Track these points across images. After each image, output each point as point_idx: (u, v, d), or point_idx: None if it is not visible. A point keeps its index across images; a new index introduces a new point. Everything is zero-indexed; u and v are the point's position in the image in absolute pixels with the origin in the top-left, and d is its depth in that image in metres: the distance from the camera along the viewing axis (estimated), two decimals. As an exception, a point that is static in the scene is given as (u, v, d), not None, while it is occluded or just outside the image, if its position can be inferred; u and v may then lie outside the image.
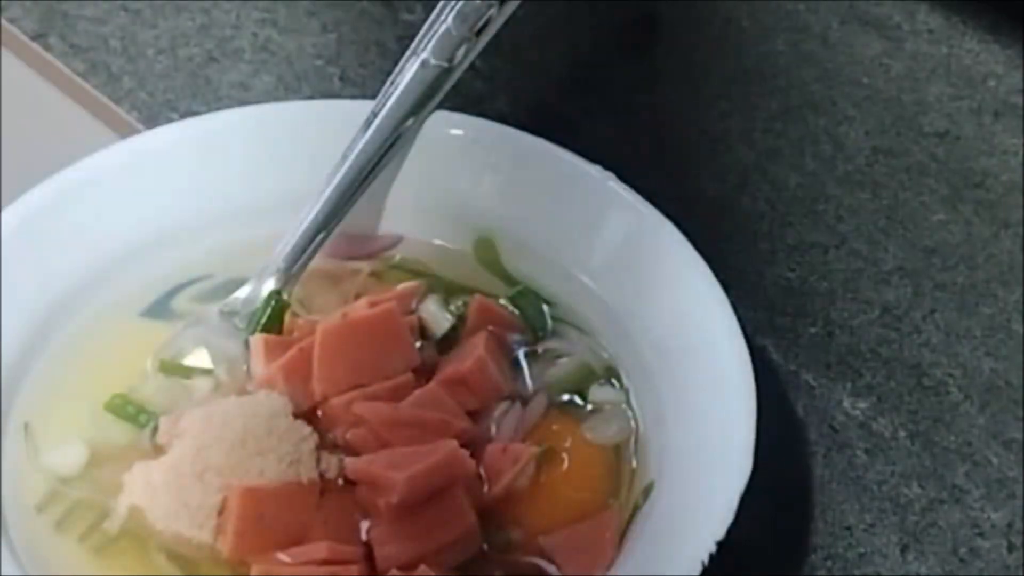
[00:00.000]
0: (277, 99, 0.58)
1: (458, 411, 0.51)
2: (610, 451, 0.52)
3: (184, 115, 0.58)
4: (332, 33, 0.71)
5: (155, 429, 0.51)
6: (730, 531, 0.45)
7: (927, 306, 0.61)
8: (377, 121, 0.56)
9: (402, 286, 0.56)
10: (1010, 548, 0.53)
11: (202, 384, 0.53)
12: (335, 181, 0.56)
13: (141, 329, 0.55)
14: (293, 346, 0.52)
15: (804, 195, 0.65)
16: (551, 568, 0.49)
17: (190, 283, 0.57)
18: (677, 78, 0.70)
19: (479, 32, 0.56)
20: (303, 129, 0.58)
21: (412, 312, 0.55)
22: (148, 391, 0.53)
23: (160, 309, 0.56)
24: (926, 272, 0.62)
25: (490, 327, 0.54)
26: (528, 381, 0.54)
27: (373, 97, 0.57)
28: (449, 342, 0.55)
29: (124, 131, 0.65)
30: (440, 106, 0.57)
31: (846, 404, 0.57)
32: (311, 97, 0.57)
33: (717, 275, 0.53)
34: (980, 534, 0.53)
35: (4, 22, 0.71)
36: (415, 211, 0.58)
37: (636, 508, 0.49)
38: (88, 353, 0.54)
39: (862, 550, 0.53)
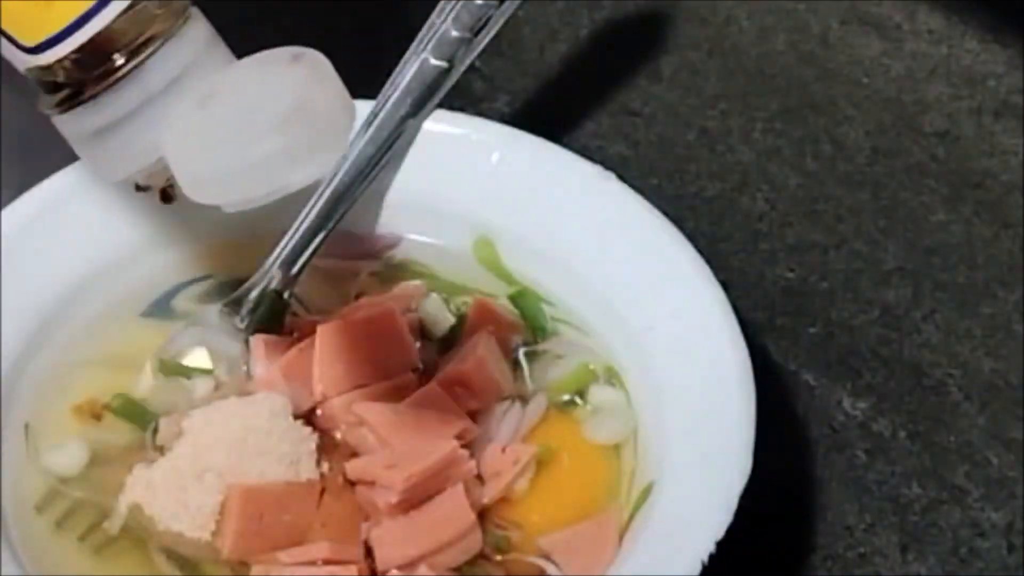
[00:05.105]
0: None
1: (458, 411, 0.51)
2: (610, 451, 0.52)
3: (184, 115, 0.58)
4: (332, 33, 0.71)
5: (155, 429, 0.51)
6: (730, 531, 0.45)
7: (927, 306, 0.61)
8: (377, 121, 0.56)
9: (402, 286, 0.56)
10: (1010, 548, 0.53)
11: (202, 384, 0.53)
12: (335, 181, 0.56)
13: (141, 329, 0.55)
14: (293, 346, 0.52)
15: (804, 195, 0.65)
16: (551, 568, 0.49)
17: (190, 283, 0.57)
18: (677, 78, 0.70)
19: (479, 32, 0.56)
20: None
21: (412, 312, 0.55)
22: (148, 391, 0.53)
23: (160, 309, 0.56)
24: (926, 272, 0.62)
25: (490, 327, 0.54)
26: (528, 381, 0.54)
27: (373, 97, 0.57)
28: (449, 342, 0.55)
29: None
30: (440, 106, 0.57)
31: (846, 404, 0.57)
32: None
33: (717, 275, 0.53)
34: (980, 534, 0.53)
35: (4, 22, 0.70)
36: (415, 211, 0.58)
37: (636, 508, 0.49)
38: (88, 353, 0.54)
39: (862, 550, 0.53)
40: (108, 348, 0.54)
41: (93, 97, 0.45)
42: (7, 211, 0.54)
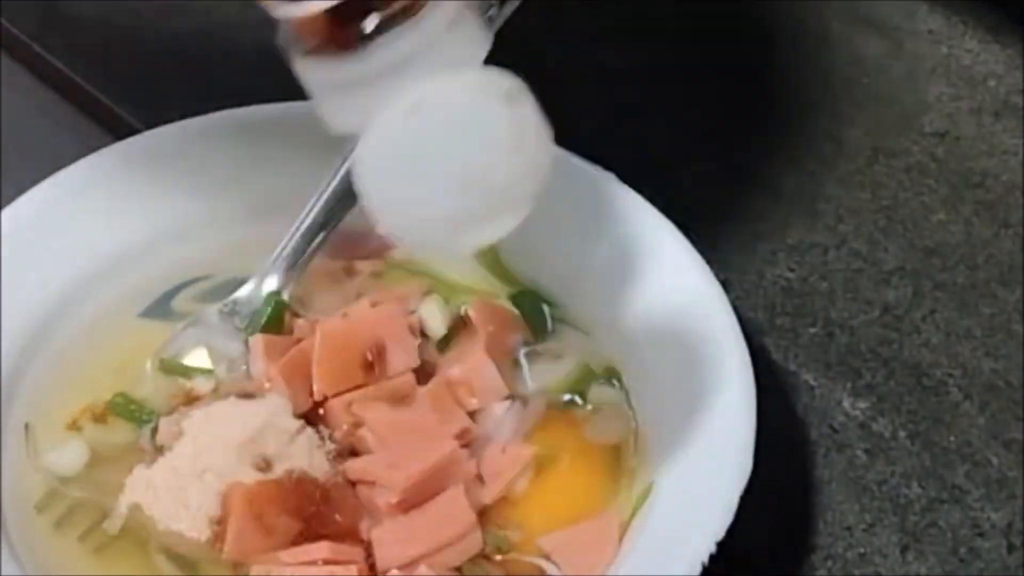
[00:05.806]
0: (277, 99, 0.58)
1: (458, 411, 0.51)
2: (610, 451, 0.52)
3: (184, 115, 0.58)
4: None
5: (155, 429, 0.51)
6: (730, 531, 0.45)
7: (927, 306, 0.61)
8: (378, 121, 0.56)
9: (402, 286, 0.56)
10: (1010, 548, 0.53)
11: (202, 384, 0.53)
12: (335, 181, 0.56)
13: (141, 329, 0.55)
14: (293, 346, 0.52)
15: (804, 195, 0.65)
16: (551, 568, 0.49)
17: (190, 283, 0.57)
18: (677, 77, 0.70)
19: (479, 32, 0.56)
20: (303, 129, 0.57)
21: (412, 312, 0.55)
22: (148, 391, 0.53)
23: (160, 309, 0.56)
24: (926, 272, 0.62)
25: (490, 327, 0.54)
26: (528, 381, 0.54)
27: (374, 97, 0.56)
28: (449, 342, 0.55)
29: (124, 131, 0.65)
30: (440, 106, 0.57)
31: (846, 404, 0.57)
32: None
33: (717, 275, 0.53)
34: (980, 534, 0.53)
35: (4, 22, 0.71)
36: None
37: (636, 508, 0.49)
38: (88, 353, 0.54)
39: (862, 550, 0.53)
40: (108, 348, 0.54)
41: (335, 54, 0.43)
42: (7, 211, 0.54)
